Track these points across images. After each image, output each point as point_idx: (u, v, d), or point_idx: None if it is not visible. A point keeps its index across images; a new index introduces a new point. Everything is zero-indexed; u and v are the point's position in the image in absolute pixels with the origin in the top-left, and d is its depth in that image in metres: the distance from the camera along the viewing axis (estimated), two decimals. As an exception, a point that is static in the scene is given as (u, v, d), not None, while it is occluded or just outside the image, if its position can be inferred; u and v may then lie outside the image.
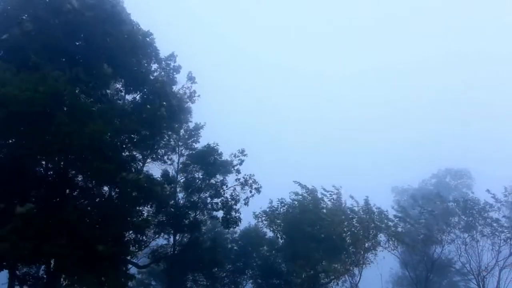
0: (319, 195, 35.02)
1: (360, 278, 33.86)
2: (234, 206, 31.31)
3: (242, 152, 32.79)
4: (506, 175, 37.04)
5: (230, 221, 31.08)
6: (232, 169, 32.51)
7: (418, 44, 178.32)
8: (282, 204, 35.38)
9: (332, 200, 34.91)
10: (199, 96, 30.04)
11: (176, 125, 27.72)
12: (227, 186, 32.12)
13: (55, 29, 20.66)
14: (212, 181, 32.30)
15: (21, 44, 20.12)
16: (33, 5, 20.99)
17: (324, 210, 34.33)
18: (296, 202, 35.02)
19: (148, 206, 27.17)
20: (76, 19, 20.83)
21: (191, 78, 29.60)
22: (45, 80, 18.65)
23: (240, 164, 32.57)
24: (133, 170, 22.95)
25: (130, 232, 24.78)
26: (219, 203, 31.65)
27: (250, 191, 31.93)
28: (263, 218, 35.87)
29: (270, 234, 37.04)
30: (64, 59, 21.34)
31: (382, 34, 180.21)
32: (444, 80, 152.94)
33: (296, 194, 35.21)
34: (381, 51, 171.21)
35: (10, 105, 17.61)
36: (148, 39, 24.02)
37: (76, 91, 20.42)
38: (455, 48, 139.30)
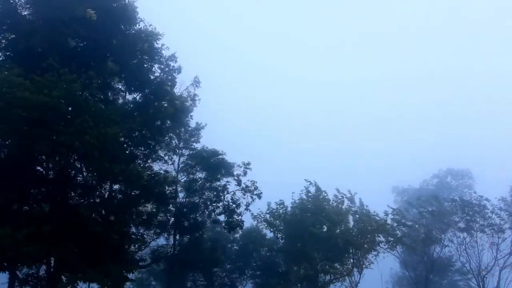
0: (323, 196, 34.68)
1: (360, 278, 33.86)
2: (236, 210, 31.27)
3: (247, 165, 32.38)
4: (506, 176, 37.22)
5: (233, 224, 30.94)
6: (235, 178, 32.27)
7: (421, 54, 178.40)
8: (281, 206, 35.05)
9: (337, 201, 34.59)
10: (199, 99, 30.05)
11: (177, 126, 27.68)
12: (228, 192, 32.03)
13: (62, 29, 20.66)
14: (214, 185, 32.20)
15: (30, 45, 20.06)
16: (41, 5, 20.96)
17: (326, 207, 34.17)
18: (296, 202, 34.61)
19: (150, 204, 27.17)
20: (83, 18, 20.73)
21: (196, 82, 29.57)
22: (59, 84, 18.48)
23: (244, 175, 32.29)
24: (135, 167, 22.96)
25: (133, 229, 24.87)
26: (221, 207, 31.60)
27: (251, 197, 31.88)
28: (262, 219, 35.83)
29: (270, 234, 37.05)
30: (68, 59, 21.18)
31: (385, 43, 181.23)
32: (444, 86, 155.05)
33: (305, 193, 34.60)
34: (383, 59, 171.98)
35: (22, 108, 17.33)
36: (151, 39, 23.86)
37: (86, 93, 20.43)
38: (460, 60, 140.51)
